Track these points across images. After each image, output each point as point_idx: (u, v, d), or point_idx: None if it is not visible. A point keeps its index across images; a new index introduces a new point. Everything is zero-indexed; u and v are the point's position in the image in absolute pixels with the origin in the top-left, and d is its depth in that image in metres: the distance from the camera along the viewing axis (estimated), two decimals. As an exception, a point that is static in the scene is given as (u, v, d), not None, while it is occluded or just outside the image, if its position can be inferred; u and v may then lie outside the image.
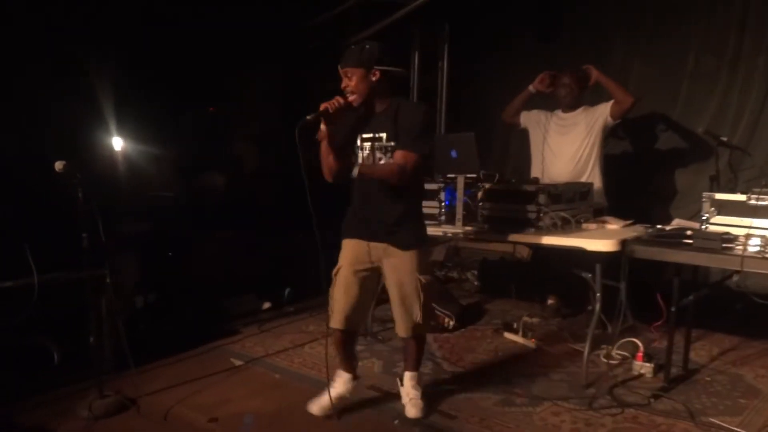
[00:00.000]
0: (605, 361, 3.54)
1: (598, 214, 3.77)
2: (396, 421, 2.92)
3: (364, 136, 2.84)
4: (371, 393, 3.25)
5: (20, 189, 3.55)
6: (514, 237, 3.45)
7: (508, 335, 4.12)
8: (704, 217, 3.03)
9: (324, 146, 2.75)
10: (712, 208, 2.99)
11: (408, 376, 3.05)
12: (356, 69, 2.69)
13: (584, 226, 3.48)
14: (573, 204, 3.56)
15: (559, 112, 4.27)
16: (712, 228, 2.97)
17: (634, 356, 3.45)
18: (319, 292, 3.01)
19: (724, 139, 4.01)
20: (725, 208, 2.97)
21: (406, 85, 6.02)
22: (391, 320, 4.27)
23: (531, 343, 3.97)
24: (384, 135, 2.77)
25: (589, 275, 3.27)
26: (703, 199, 3.04)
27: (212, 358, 3.83)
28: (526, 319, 4.31)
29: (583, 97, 4.24)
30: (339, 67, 2.74)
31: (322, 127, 2.70)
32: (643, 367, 3.37)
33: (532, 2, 5.28)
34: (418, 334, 2.96)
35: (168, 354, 3.80)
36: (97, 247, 2.99)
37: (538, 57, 5.06)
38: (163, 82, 4.46)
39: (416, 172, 2.73)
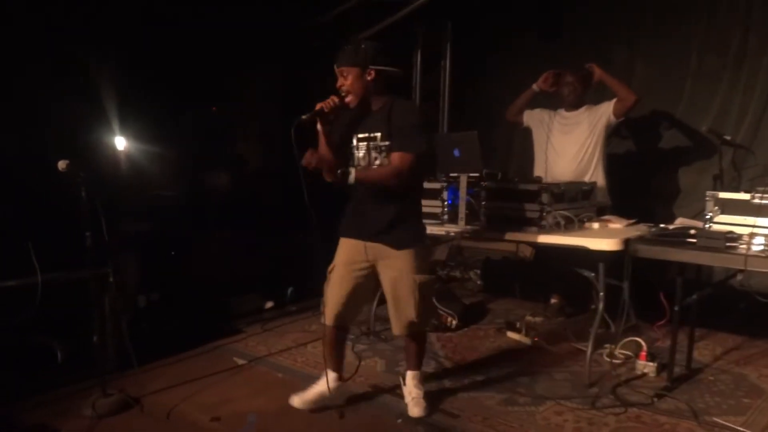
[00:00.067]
0: (608, 360, 3.53)
1: (602, 213, 3.76)
2: (399, 420, 2.92)
3: (360, 135, 2.84)
4: (374, 392, 3.25)
5: (23, 188, 3.56)
6: (517, 236, 3.45)
7: (510, 334, 4.12)
8: (708, 216, 3.02)
9: (321, 145, 2.76)
10: (716, 207, 2.98)
11: (410, 375, 3.05)
12: (351, 68, 2.71)
13: (587, 225, 3.48)
14: (576, 203, 3.55)
15: (562, 111, 4.27)
16: (715, 227, 2.97)
17: (637, 355, 3.45)
18: (321, 292, 3.01)
19: (728, 138, 4.00)
20: (729, 207, 2.96)
21: (408, 84, 6.03)
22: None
23: (527, 340, 3.98)
24: (378, 134, 2.77)
25: (592, 274, 3.27)
26: (707, 198, 3.04)
27: (215, 358, 3.83)
28: (529, 318, 4.31)
29: (586, 96, 4.23)
30: (334, 67, 2.75)
31: (318, 126, 2.72)
32: (646, 366, 3.37)
33: (535, 1, 5.27)
34: (416, 333, 2.96)
35: (171, 353, 3.80)
36: (100, 246, 3.00)
37: (541, 56, 5.05)
38: (165, 82, 4.46)
39: (413, 172, 2.73)
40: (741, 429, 2.72)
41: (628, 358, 3.54)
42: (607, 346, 3.62)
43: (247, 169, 5.60)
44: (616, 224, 3.51)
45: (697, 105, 4.51)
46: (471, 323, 4.43)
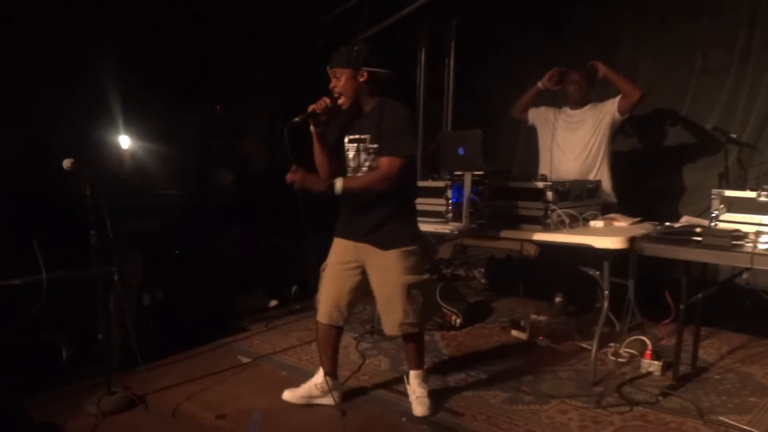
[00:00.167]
0: (613, 359, 3.52)
1: (607, 211, 3.75)
2: (404, 419, 2.92)
3: (351, 136, 2.85)
4: (378, 390, 3.25)
5: (28, 186, 3.57)
6: (521, 234, 3.44)
7: (514, 333, 4.11)
8: (714, 214, 3.00)
9: (316, 147, 2.79)
10: (722, 205, 2.96)
11: (413, 374, 3.04)
12: (344, 70, 2.73)
13: (592, 223, 3.47)
14: (581, 201, 3.54)
15: (567, 109, 4.25)
16: (721, 225, 2.95)
17: (642, 354, 3.44)
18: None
19: (734, 135, 3.97)
20: (735, 205, 2.94)
21: (413, 82, 6.02)
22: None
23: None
24: (368, 136, 2.79)
25: (597, 273, 3.26)
26: (713, 196, 3.02)
27: (220, 355, 3.84)
28: (533, 316, 4.31)
29: (590, 94, 4.22)
30: (327, 68, 2.77)
31: (311, 128, 2.73)
32: (651, 365, 3.36)
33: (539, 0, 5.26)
34: (411, 334, 2.95)
35: (175, 351, 3.81)
36: (105, 245, 3.01)
37: (545, 54, 5.04)
38: (169, 81, 4.47)
39: (402, 175, 2.72)
40: (747, 428, 2.71)
41: (633, 356, 3.53)
42: (612, 344, 3.61)
43: (251, 167, 5.61)
44: (621, 222, 3.50)
45: (702, 103, 4.49)
46: (475, 322, 4.43)
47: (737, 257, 2.71)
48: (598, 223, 3.46)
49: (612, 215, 3.63)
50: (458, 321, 4.29)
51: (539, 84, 4.30)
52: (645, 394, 3.08)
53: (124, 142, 4.28)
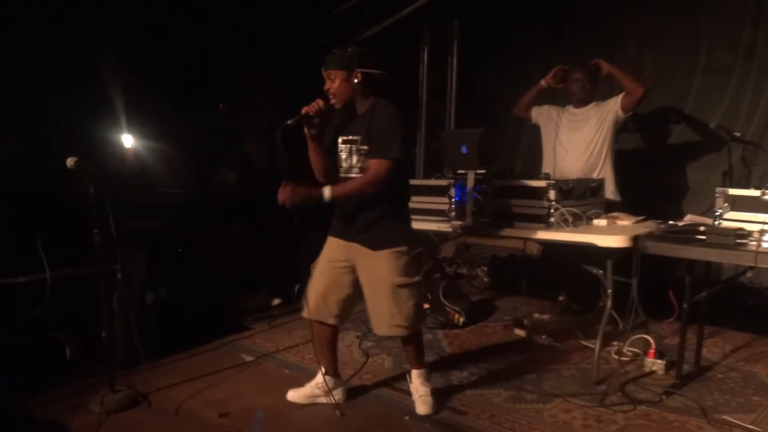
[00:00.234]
0: (616, 357, 3.52)
1: (611, 210, 3.75)
2: (407, 417, 2.92)
3: (344, 137, 2.86)
4: (382, 389, 3.25)
5: (32, 185, 3.57)
6: (524, 233, 3.44)
7: (518, 331, 4.11)
8: (718, 213, 2.99)
9: (310, 149, 2.81)
10: (726, 204, 2.95)
11: (415, 373, 3.04)
12: (338, 71, 2.73)
13: (595, 222, 3.46)
14: (584, 200, 3.53)
15: (570, 108, 4.25)
16: (725, 224, 2.94)
17: (645, 353, 3.43)
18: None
19: (738, 134, 3.97)
20: (739, 204, 2.93)
21: (415, 81, 6.02)
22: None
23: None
24: (359, 138, 2.79)
25: (600, 271, 3.25)
26: (717, 195, 3.01)
27: (223, 354, 3.85)
28: (536, 315, 4.30)
29: (594, 92, 4.21)
30: (322, 70, 2.78)
31: (306, 130, 2.74)
32: (654, 363, 3.35)
33: (542, -2, 5.26)
34: (406, 335, 2.93)
35: (179, 349, 3.82)
36: (108, 243, 3.01)
37: (549, 53, 5.04)
38: (172, 80, 4.48)
39: (390, 177, 2.71)
40: (750, 427, 2.70)
41: (636, 355, 3.53)
42: (615, 343, 3.60)
43: (253, 166, 5.61)
44: (625, 221, 3.49)
45: (706, 101, 4.49)
46: (478, 320, 4.42)
47: (741, 256, 2.70)
48: (601, 222, 3.45)
49: (615, 214, 3.63)
50: (461, 319, 4.28)
51: (542, 82, 4.29)
52: (648, 393, 3.07)
53: (127, 140, 4.29)
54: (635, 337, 3.57)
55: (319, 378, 3.07)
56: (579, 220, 3.38)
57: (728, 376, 3.30)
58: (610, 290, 3.22)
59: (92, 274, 3.08)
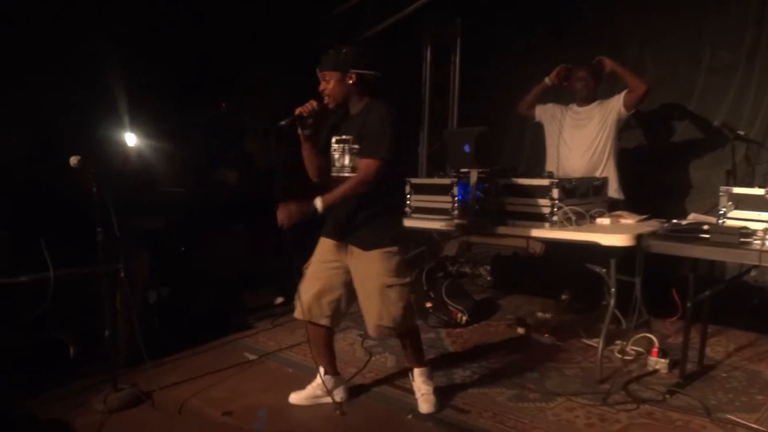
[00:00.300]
0: (620, 356, 3.50)
1: (614, 208, 3.74)
2: (409, 416, 2.92)
3: (337, 137, 2.86)
4: (385, 388, 3.25)
5: (35, 184, 3.58)
6: (527, 232, 3.43)
7: (520, 330, 4.10)
8: (721, 212, 2.98)
9: (304, 149, 2.82)
10: (730, 203, 2.94)
11: (416, 372, 3.03)
12: (333, 72, 2.74)
13: (599, 220, 3.46)
14: (587, 198, 3.53)
15: (574, 106, 4.24)
16: (729, 222, 2.93)
17: (648, 352, 3.42)
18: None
19: (741, 132, 3.96)
20: (743, 203, 2.92)
21: (418, 80, 6.02)
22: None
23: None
24: (351, 137, 2.80)
25: (604, 270, 3.25)
26: (721, 193, 2.99)
27: (226, 353, 3.85)
28: (539, 314, 4.30)
29: (597, 90, 4.20)
30: (317, 71, 2.78)
31: (299, 131, 2.75)
32: (658, 362, 3.34)
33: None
34: (401, 334, 2.93)
35: (182, 348, 3.83)
36: (111, 242, 3.02)
37: (552, 51, 5.03)
38: (174, 79, 4.48)
39: (379, 177, 2.69)
40: (754, 426, 2.70)
41: (639, 354, 3.52)
42: (618, 342, 3.59)
43: (255, 164, 5.61)
44: (628, 220, 3.48)
45: (709, 100, 4.47)
46: (481, 319, 4.42)
47: (745, 254, 2.69)
48: (604, 221, 3.45)
49: (619, 212, 3.62)
50: (464, 318, 4.28)
51: (546, 80, 4.28)
52: (652, 392, 3.07)
53: (129, 140, 4.29)
54: (638, 336, 3.56)
55: (319, 379, 3.07)
56: (582, 219, 3.37)
57: (732, 375, 3.29)
58: (613, 289, 3.21)
59: (95, 273, 3.08)
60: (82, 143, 3.48)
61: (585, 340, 3.83)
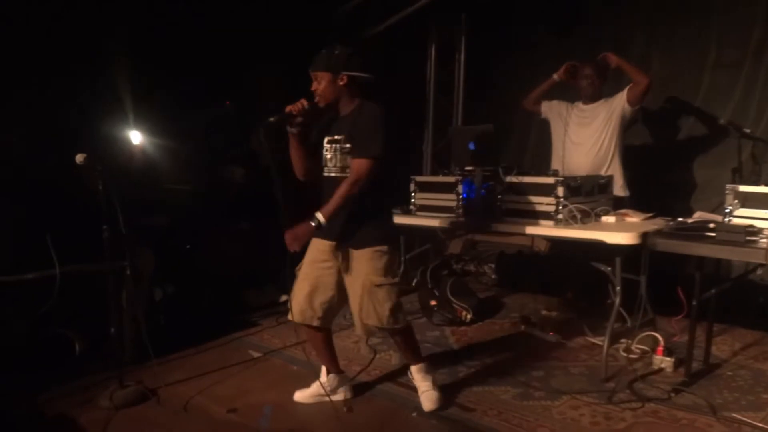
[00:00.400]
0: (625, 355, 3.50)
1: (620, 205, 3.73)
2: (414, 414, 2.92)
3: (329, 138, 2.87)
4: (389, 385, 3.25)
5: (41, 181, 3.59)
6: (532, 230, 3.43)
7: (525, 328, 4.10)
8: (727, 210, 2.97)
9: (292, 147, 2.83)
10: (736, 201, 2.93)
11: (413, 369, 3.03)
12: (324, 73, 2.74)
13: (604, 219, 3.45)
14: (592, 196, 3.52)
15: (579, 104, 4.23)
16: (735, 221, 2.92)
17: (654, 350, 3.42)
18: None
19: (747, 130, 3.94)
20: (749, 201, 2.91)
21: (422, 78, 6.02)
22: (409, 313, 4.29)
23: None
24: (342, 137, 2.80)
25: (609, 269, 3.24)
26: (727, 192, 2.99)
27: (231, 350, 3.86)
28: (544, 312, 4.29)
29: (603, 89, 4.19)
30: (309, 70, 2.79)
31: (288, 129, 2.76)
32: (663, 361, 3.34)
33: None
34: (393, 332, 2.93)
35: (187, 345, 3.84)
36: (117, 239, 3.02)
37: (557, 50, 5.01)
38: (179, 77, 4.48)
39: (372, 176, 2.69)
40: (760, 425, 2.69)
41: (644, 353, 3.51)
42: (623, 341, 3.59)
43: (261, 162, 5.61)
44: (634, 218, 3.48)
45: (715, 99, 4.47)
46: (485, 317, 4.42)
47: (751, 253, 2.68)
48: (610, 219, 3.44)
49: (624, 210, 3.62)
50: (468, 316, 4.28)
51: (555, 76, 4.27)
52: (657, 391, 3.06)
53: (135, 137, 4.30)
54: (644, 334, 3.55)
55: (323, 377, 3.08)
56: (587, 217, 3.36)
57: (737, 374, 3.28)
58: (618, 287, 3.21)
59: (101, 271, 3.09)
60: (87, 141, 3.49)
61: (590, 339, 3.83)
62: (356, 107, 2.79)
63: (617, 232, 3.09)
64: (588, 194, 3.49)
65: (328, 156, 2.86)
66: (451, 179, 3.78)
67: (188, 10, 4.51)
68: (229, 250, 4.79)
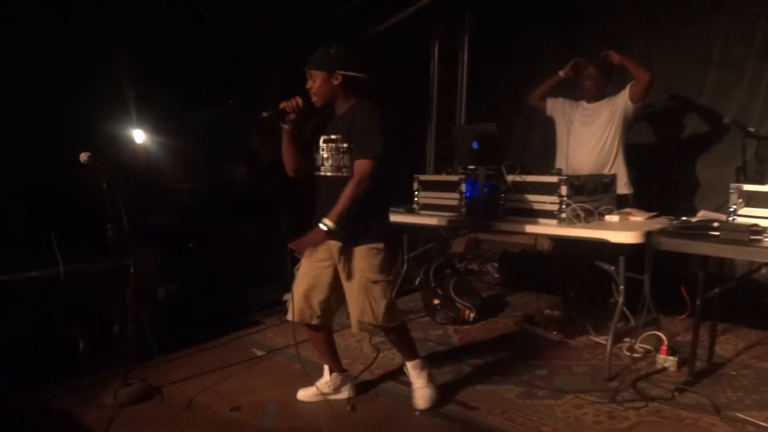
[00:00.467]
0: (628, 354, 3.50)
1: (624, 203, 3.73)
2: (417, 412, 2.92)
3: (325, 137, 2.86)
4: (392, 384, 3.26)
5: (45, 180, 3.60)
6: (535, 229, 3.43)
7: (528, 327, 4.10)
8: (732, 209, 2.97)
9: (284, 143, 2.83)
10: (740, 200, 2.93)
11: (409, 365, 3.03)
12: (319, 72, 2.74)
13: (607, 218, 3.45)
14: (596, 195, 3.52)
15: (583, 103, 4.22)
16: (739, 220, 2.92)
17: (657, 350, 3.42)
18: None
19: (752, 129, 3.93)
20: (753, 200, 2.90)
21: (426, 77, 6.01)
22: (412, 311, 4.30)
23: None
24: (339, 136, 2.79)
25: (612, 268, 3.24)
26: (731, 191, 2.98)
27: (234, 348, 3.87)
28: (547, 311, 4.29)
29: (607, 88, 4.18)
30: (305, 69, 2.79)
31: (280, 124, 2.77)
32: (666, 360, 3.33)
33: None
34: (388, 330, 2.93)
35: (190, 344, 3.85)
36: (121, 238, 3.03)
37: (560, 49, 5.00)
38: (183, 76, 4.49)
39: (375, 174, 2.69)
40: (764, 424, 2.68)
41: (648, 352, 3.51)
42: (627, 340, 3.59)
43: (264, 161, 5.62)
44: (637, 217, 3.47)
45: (719, 97, 4.45)
46: (489, 316, 4.42)
47: (756, 252, 2.68)
48: (613, 218, 3.44)
49: (628, 209, 3.61)
50: (471, 315, 4.28)
51: (560, 73, 4.26)
52: (660, 390, 3.06)
53: (139, 136, 4.31)
54: (647, 333, 3.55)
55: (326, 376, 3.09)
56: (591, 216, 3.36)
57: (741, 374, 3.27)
58: (622, 286, 3.21)
59: (105, 269, 3.10)
60: (91, 140, 3.50)
61: (593, 338, 3.83)
62: (352, 106, 2.79)
63: (621, 231, 3.08)
64: (591, 193, 3.49)
65: (324, 155, 2.85)
66: (454, 178, 3.78)
67: (188, 10, 4.51)
68: (232, 249, 4.79)
